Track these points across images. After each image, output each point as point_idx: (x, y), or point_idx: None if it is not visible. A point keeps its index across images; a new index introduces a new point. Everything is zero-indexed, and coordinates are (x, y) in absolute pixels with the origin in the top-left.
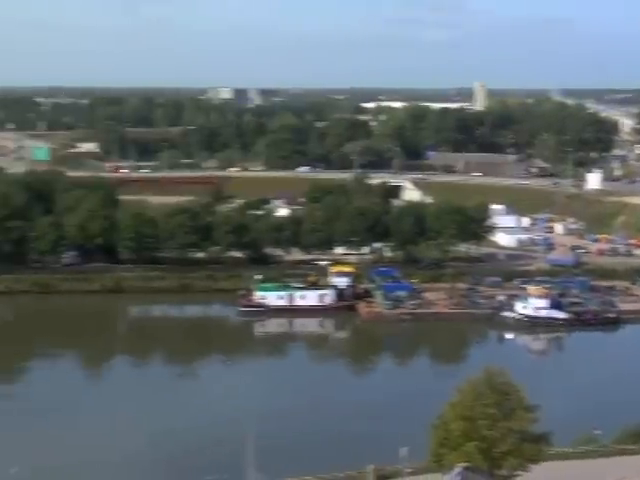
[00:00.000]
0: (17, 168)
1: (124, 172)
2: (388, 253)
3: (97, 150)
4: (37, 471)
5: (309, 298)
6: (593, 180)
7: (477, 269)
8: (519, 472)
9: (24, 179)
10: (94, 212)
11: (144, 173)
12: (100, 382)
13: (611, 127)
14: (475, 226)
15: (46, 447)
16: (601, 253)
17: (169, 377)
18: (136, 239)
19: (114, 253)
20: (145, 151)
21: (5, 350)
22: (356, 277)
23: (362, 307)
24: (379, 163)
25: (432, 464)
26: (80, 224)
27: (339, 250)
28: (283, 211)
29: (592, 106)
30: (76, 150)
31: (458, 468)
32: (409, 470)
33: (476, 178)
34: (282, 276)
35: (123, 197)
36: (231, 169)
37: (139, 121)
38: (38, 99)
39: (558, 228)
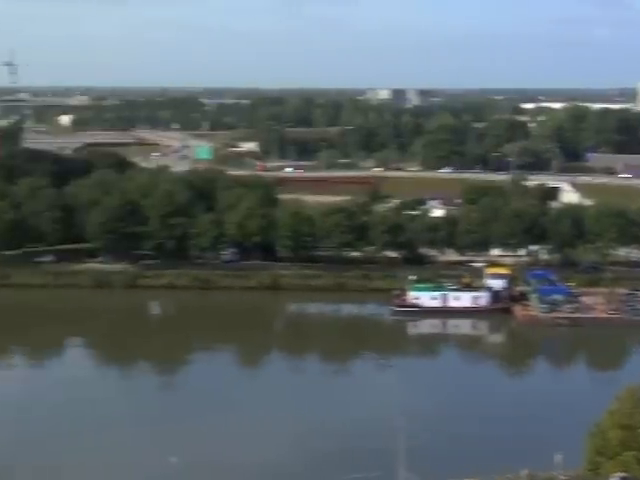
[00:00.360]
0: (181, 167)
1: (274, 171)
2: (544, 256)
3: (257, 149)
4: (194, 463)
5: (463, 299)
6: None
7: (638, 274)
8: None
9: (187, 177)
10: (253, 210)
11: (288, 172)
12: (256, 377)
13: None
14: (637, 230)
15: (203, 439)
16: None
17: (323, 374)
18: (293, 237)
19: (272, 251)
20: (304, 151)
21: (168, 342)
22: (512, 279)
23: (517, 310)
24: (537, 164)
25: (588, 472)
26: (239, 222)
27: (495, 252)
28: (439, 212)
29: None
30: (237, 149)
31: (615, 478)
32: (563, 477)
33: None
34: (436, 277)
35: (281, 196)
36: (375, 169)
37: (299, 121)
38: (203, 100)
39: None
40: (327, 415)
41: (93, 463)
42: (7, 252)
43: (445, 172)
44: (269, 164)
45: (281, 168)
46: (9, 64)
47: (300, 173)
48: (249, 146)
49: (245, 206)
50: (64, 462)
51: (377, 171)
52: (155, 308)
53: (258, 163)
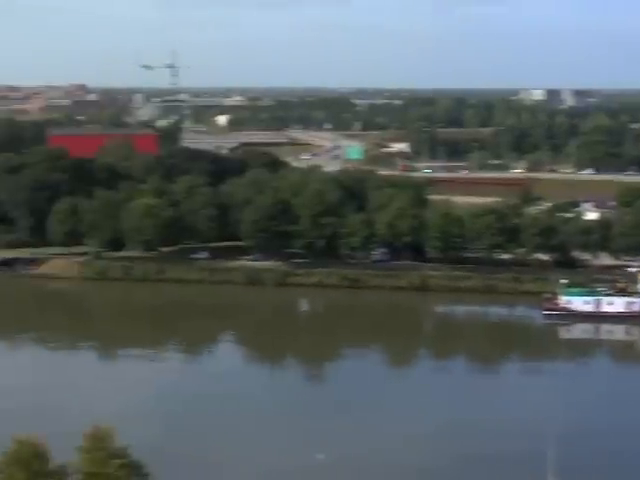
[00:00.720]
0: (332, 166)
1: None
2: None
3: (408, 150)
4: (340, 461)
5: (617, 305)
6: None
7: None
8: None
9: (338, 177)
10: (404, 211)
11: (427, 173)
12: (403, 377)
13: None
14: None
15: (350, 437)
16: None
17: (471, 376)
18: (443, 238)
19: (422, 251)
20: (455, 152)
21: (316, 340)
22: None
23: None
24: None
25: None
26: (390, 222)
27: None
28: (592, 214)
29: None
30: (388, 150)
31: None
32: None
33: None
34: (589, 281)
35: (431, 197)
36: (524, 170)
37: (450, 122)
38: (355, 100)
39: None
40: (474, 417)
41: (240, 457)
42: (164, 248)
43: (587, 173)
44: (420, 164)
45: (429, 169)
46: (171, 66)
47: (465, 174)
48: (400, 146)
49: (396, 206)
50: (211, 455)
51: (527, 172)
52: (304, 306)
53: (401, 163)
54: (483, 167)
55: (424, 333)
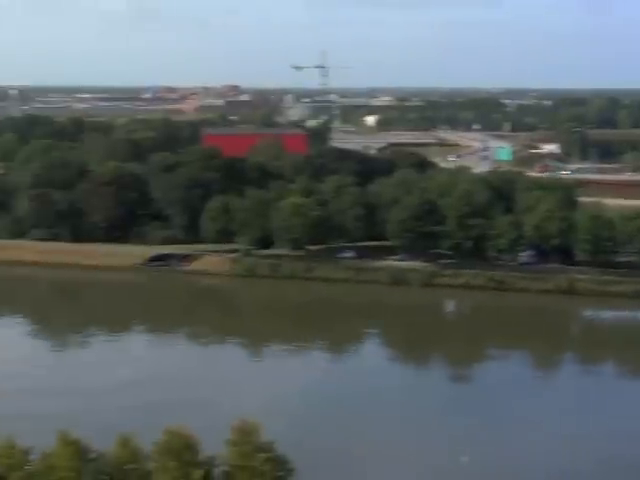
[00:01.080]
0: (481, 167)
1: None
2: None
3: (558, 151)
4: (484, 464)
5: None
6: None
7: None
8: None
9: (486, 178)
10: (552, 213)
11: (567, 174)
12: (548, 380)
13: None
14: None
15: (494, 441)
16: None
17: (618, 382)
18: (593, 241)
19: (570, 254)
20: (607, 153)
21: (460, 340)
22: None
23: None
24: None
25: None
26: (537, 224)
27: None
28: None
29: None
30: (537, 151)
31: None
32: None
33: None
34: None
35: (581, 199)
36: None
37: (602, 122)
38: (503, 100)
39: None
40: (621, 421)
41: (383, 454)
42: (311, 247)
43: None
44: (569, 166)
45: (573, 170)
46: (320, 67)
47: (629, 175)
48: (550, 148)
49: (544, 208)
50: (355, 451)
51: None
52: (450, 307)
53: (539, 164)
54: (637, 169)
55: (571, 337)
